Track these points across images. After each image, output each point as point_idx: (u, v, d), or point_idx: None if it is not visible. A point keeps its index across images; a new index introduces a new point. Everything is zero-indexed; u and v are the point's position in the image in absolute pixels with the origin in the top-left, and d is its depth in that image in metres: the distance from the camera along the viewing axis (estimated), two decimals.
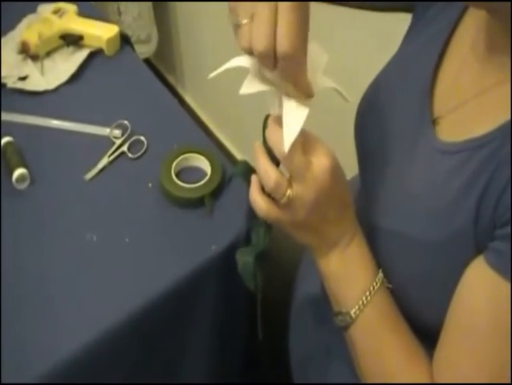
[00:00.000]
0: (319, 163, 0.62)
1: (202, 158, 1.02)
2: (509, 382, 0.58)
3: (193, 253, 0.93)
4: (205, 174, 1.01)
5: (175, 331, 0.97)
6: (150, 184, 1.01)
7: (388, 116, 0.76)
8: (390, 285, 0.69)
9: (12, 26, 1.21)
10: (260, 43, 0.55)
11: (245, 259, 0.74)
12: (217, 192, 0.99)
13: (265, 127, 0.65)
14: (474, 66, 0.67)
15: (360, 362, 0.70)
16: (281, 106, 0.62)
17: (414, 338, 0.69)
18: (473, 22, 0.69)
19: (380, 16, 0.88)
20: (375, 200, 0.75)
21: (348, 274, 0.68)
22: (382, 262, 0.71)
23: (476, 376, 0.60)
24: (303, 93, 0.62)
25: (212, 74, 0.63)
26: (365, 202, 0.78)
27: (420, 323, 0.69)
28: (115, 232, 0.95)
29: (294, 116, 0.60)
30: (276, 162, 0.63)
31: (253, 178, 0.66)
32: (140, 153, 1.05)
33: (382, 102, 0.78)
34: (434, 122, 0.69)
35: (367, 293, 0.67)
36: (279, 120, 0.62)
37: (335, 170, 0.63)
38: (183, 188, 0.98)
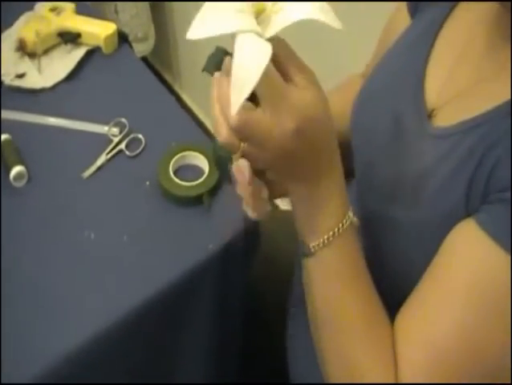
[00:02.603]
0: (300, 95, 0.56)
1: (200, 156, 1.02)
2: (509, 382, 0.58)
3: (190, 251, 0.93)
4: (203, 172, 1.01)
5: (172, 329, 0.97)
6: (148, 182, 1.01)
7: (381, 109, 0.76)
8: (355, 219, 0.65)
9: (9, 24, 1.21)
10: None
11: (220, 154, 0.67)
12: (215, 190, 0.99)
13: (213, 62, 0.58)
14: (472, 60, 0.67)
15: (310, 298, 0.68)
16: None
17: (375, 295, 0.66)
18: (468, 18, 0.70)
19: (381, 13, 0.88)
20: (368, 187, 0.76)
21: (316, 207, 0.63)
22: (376, 247, 0.71)
23: (443, 327, 0.59)
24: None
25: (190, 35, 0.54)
26: (359, 190, 0.78)
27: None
28: (113, 229, 0.95)
29: (251, 59, 0.48)
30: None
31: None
32: (137, 151, 1.05)
33: (376, 98, 0.78)
34: (431, 114, 0.69)
35: (331, 233, 0.63)
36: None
37: (318, 103, 0.57)
38: (181, 186, 0.98)
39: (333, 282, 0.65)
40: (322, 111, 0.57)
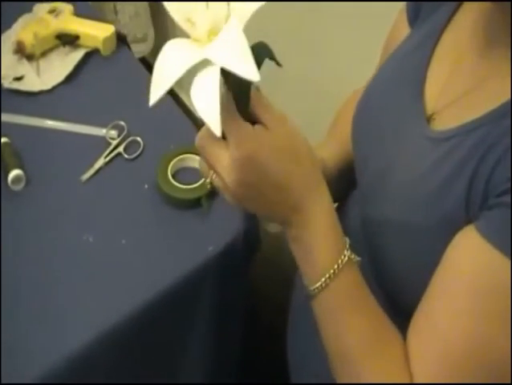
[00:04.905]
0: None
1: (199, 159, 1.02)
2: (509, 381, 0.58)
3: (189, 253, 0.93)
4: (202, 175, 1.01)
5: (172, 331, 0.97)
6: (146, 185, 1.00)
7: (381, 115, 0.77)
8: (359, 258, 0.67)
9: (8, 26, 1.21)
10: None
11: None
12: (213, 192, 0.99)
13: None
14: (471, 63, 0.68)
15: (323, 338, 0.69)
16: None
17: (383, 318, 0.67)
18: (466, 22, 0.70)
19: (382, 20, 0.88)
20: (368, 191, 0.76)
21: (312, 249, 0.65)
22: (376, 250, 0.71)
23: (453, 337, 0.59)
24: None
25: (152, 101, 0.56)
26: (359, 194, 0.79)
27: (410, 309, 0.69)
28: (112, 233, 0.95)
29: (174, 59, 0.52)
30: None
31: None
32: (136, 154, 1.05)
33: (376, 103, 0.79)
34: (430, 118, 0.69)
35: (327, 276, 0.64)
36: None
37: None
38: (179, 188, 0.98)
39: (338, 320, 0.66)
40: (292, 149, 0.61)
